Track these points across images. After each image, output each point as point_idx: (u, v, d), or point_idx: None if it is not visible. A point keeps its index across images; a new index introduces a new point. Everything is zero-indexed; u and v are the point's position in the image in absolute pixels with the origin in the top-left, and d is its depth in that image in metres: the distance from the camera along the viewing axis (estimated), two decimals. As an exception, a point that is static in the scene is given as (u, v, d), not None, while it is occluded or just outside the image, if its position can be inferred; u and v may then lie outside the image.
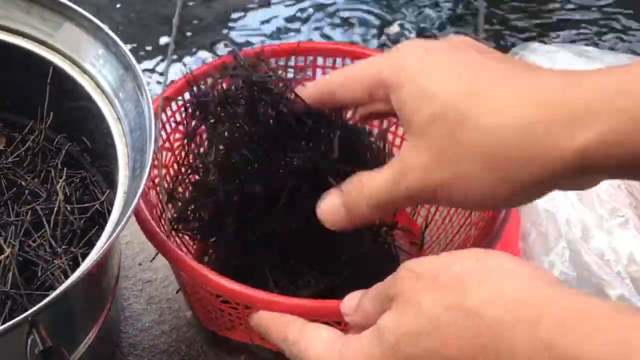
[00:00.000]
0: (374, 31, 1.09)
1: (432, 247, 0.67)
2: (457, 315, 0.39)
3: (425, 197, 0.47)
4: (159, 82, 0.99)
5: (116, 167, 0.56)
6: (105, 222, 0.53)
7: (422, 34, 1.09)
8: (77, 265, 0.57)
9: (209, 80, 0.56)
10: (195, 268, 0.53)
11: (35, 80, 0.63)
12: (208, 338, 0.68)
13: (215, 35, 1.09)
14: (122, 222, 0.48)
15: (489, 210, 0.57)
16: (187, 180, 0.60)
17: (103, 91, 0.59)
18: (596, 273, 0.69)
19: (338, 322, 0.50)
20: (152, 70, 1.04)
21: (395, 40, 1.07)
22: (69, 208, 0.61)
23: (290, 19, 1.11)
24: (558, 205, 0.74)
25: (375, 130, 0.62)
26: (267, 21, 1.10)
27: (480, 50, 0.48)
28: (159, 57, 1.05)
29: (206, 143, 0.55)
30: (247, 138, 0.52)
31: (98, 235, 0.52)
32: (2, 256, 0.57)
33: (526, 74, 0.45)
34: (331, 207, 0.50)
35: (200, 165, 0.56)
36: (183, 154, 0.60)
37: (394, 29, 1.09)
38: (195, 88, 0.55)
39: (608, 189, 0.75)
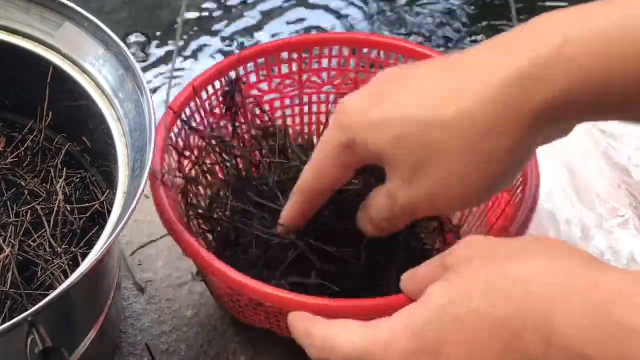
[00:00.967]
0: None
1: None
2: (509, 282, 0.39)
3: (420, 210, 0.50)
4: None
5: (116, 167, 0.56)
6: (105, 222, 0.53)
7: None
8: (77, 265, 0.57)
9: None
10: (236, 279, 0.52)
11: (35, 80, 0.63)
12: (208, 338, 0.68)
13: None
14: (122, 222, 0.48)
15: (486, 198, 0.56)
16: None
17: (103, 91, 0.59)
18: (596, 273, 0.69)
19: None
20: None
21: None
22: (69, 208, 0.61)
23: None
24: (558, 205, 0.74)
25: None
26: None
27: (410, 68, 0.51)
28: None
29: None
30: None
31: (98, 235, 0.52)
32: (2, 256, 0.57)
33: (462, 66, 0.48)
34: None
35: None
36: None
37: None
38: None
39: (608, 189, 0.75)
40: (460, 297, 0.40)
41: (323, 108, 0.71)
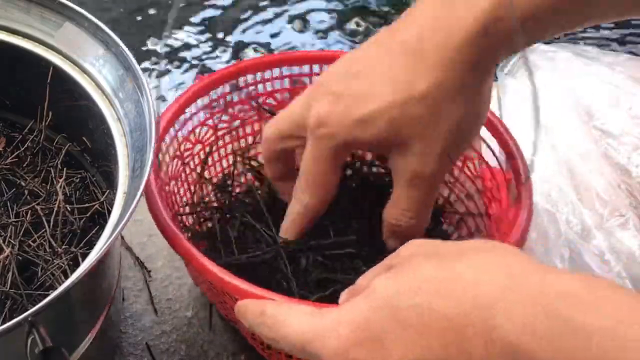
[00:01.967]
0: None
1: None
2: (454, 278, 0.39)
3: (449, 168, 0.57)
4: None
5: (116, 167, 0.56)
6: (105, 222, 0.53)
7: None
8: (77, 265, 0.57)
9: None
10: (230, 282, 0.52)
11: (35, 80, 0.63)
12: (208, 338, 0.68)
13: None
14: (122, 222, 0.48)
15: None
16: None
17: (103, 91, 0.59)
18: (596, 273, 0.69)
19: None
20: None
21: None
22: (69, 208, 0.61)
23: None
24: (558, 205, 0.74)
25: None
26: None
27: None
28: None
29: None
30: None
31: (98, 235, 0.52)
32: (2, 256, 0.57)
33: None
34: None
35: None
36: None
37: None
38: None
39: (608, 189, 0.75)
40: (404, 291, 0.40)
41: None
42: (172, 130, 0.64)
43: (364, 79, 0.52)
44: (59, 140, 0.66)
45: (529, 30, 0.50)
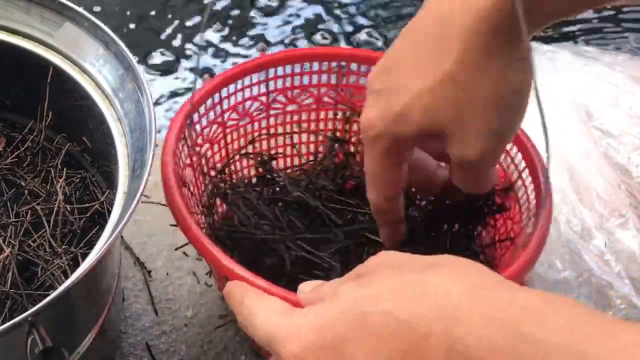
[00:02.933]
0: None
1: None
2: (419, 289, 0.39)
3: (495, 153, 0.53)
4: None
5: (116, 167, 0.56)
6: (105, 222, 0.53)
7: None
8: (77, 265, 0.57)
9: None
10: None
11: (35, 80, 0.63)
12: (208, 338, 0.68)
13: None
14: (122, 222, 0.48)
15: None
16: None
17: (103, 91, 0.59)
18: (596, 273, 0.69)
19: None
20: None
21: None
22: (69, 208, 0.61)
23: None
24: (558, 206, 0.74)
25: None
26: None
27: None
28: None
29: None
30: None
31: (98, 235, 0.52)
32: (2, 256, 0.57)
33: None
34: None
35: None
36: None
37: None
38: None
39: (608, 189, 0.75)
40: (368, 297, 0.40)
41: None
42: (216, 96, 0.64)
43: (396, 73, 0.51)
44: (59, 140, 0.66)
45: None
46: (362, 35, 1.03)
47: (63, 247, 0.59)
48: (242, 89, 0.66)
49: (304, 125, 0.70)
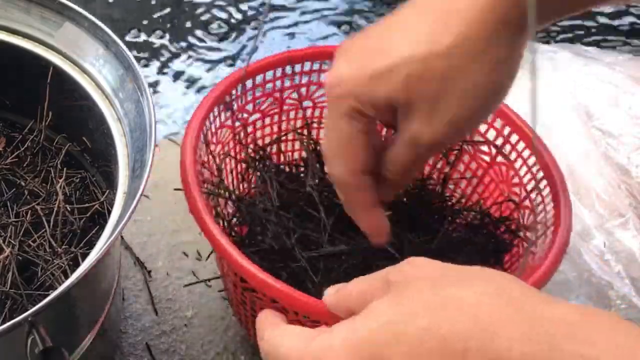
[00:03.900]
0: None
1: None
2: (456, 304, 0.39)
3: (446, 140, 0.51)
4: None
5: (116, 167, 0.56)
6: (105, 222, 0.53)
7: None
8: (77, 265, 0.57)
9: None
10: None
11: (35, 80, 0.63)
12: (208, 338, 0.68)
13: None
14: (122, 222, 0.48)
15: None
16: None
17: (103, 91, 0.59)
18: (596, 273, 0.69)
19: None
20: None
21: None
22: (69, 208, 0.61)
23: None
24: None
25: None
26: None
27: None
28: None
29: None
30: None
31: (98, 235, 0.52)
32: (2, 256, 0.57)
33: None
34: None
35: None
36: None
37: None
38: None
39: (608, 189, 0.75)
40: (406, 314, 0.39)
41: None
42: (278, 70, 0.64)
43: (385, 36, 0.50)
44: (59, 140, 0.66)
45: None
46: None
47: (63, 247, 0.59)
48: (310, 72, 0.65)
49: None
